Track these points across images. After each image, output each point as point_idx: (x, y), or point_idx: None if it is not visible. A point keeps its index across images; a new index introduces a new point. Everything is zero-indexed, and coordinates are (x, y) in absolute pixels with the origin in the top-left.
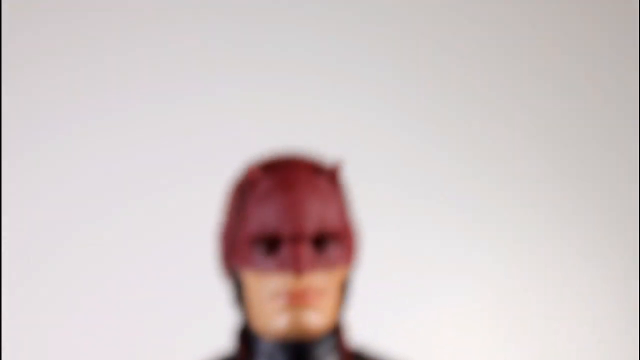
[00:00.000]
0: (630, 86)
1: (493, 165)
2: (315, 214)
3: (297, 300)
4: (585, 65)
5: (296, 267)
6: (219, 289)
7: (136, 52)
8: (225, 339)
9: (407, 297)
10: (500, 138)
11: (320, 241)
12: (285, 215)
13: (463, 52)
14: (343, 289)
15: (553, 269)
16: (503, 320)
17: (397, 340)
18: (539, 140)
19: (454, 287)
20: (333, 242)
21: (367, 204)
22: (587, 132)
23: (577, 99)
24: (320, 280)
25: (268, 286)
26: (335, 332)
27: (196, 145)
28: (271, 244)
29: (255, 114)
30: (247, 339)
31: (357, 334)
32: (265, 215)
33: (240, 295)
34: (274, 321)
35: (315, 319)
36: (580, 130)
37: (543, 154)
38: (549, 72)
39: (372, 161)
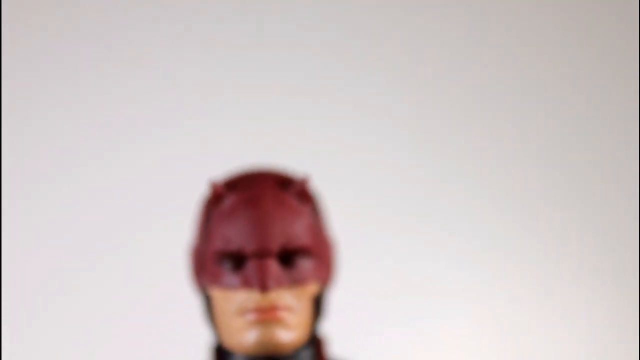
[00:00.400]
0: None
1: (484, 180)
2: (281, 230)
3: (264, 316)
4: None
5: (261, 284)
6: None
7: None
8: (202, 355)
9: (392, 317)
10: (492, 151)
11: (288, 257)
12: (249, 232)
13: (459, 61)
14: (317, 305)
15: (548, 290)
16: (493, 342)
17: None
18: (538, 159)
19: (442, 308)
20: (302, 258)
21: (351, 220)
22: (590, 153)
23: (579, 120)
24: (288, 297)
25: (235, 303)
26: (312, 346)
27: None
28: (237, 260)
29: (227, 133)
30: (220, 356)
31: (340, 350)
32: (230, 232)
33: (210, 312)
34: (243, 337)
35: (284, 335)
36: (582, 151)
37: (542, 172)
38: (556, 97)
39: (358, 177)
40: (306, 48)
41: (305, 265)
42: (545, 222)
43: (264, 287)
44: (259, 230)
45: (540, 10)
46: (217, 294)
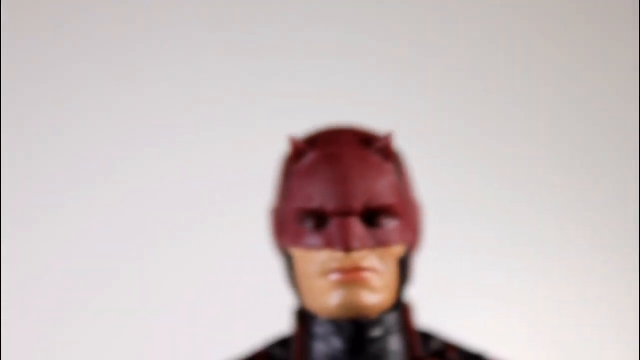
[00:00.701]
0: None
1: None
2: (364, 187)
3: (347, 277)
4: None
5: (344, 244)
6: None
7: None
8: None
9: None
10: (529, 147)
11: (372, 217)
12: (331, 189)
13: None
14: (402, 268)
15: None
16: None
17: None
18: (568, 156)
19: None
20: (386, 218)
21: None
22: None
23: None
24: (372, 258)
25: (317, 264)
26: (399, 311)
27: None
28: (319, 219)
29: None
30: (303, 319)
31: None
32: (311, 190)
33: (291, 274)
34: (326, 299)
35: (368, 297)
36: (618, 150)
37: (576, 169)
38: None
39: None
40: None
41: (390, 225)
42: (583, 220)
43: (347, 247)
44: (341, 188)
45: None
46: (298, 254)
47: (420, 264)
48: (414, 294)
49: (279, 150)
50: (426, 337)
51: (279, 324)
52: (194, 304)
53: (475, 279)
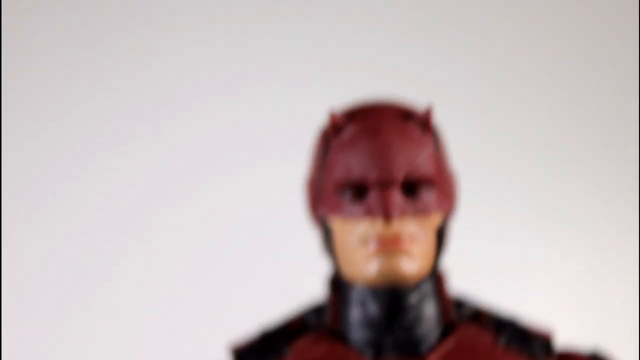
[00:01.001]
0: None
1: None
2: (404, 159)
3: (387, 246)
4: None
5: (385, 213)
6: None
7: None
8: (318, 288)
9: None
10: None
11: (411, 187)
12: (371, 161)
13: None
14: (439, 237)
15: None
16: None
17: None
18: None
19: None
20: (425, 188)
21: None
22: None
23: None
24: (411, 227)
25: (357, 233)
26: (434, 279)
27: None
28: (358, 190)
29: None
30: (338, 287)
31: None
32: (351, 161)
33: (329, 243)
34: (365, 268)
35: (408, 265)
36: None
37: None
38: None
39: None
40: None
41: (428, 195)
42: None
43: (387, 216)
44: (382, 159)
45: None
46: (337, 224)
47: (456, 234)
48: (449, 264)
49: (314, 123)
50: (459, 304)
51: (313, 292)
52: (226, 272)
53: (509, 249)
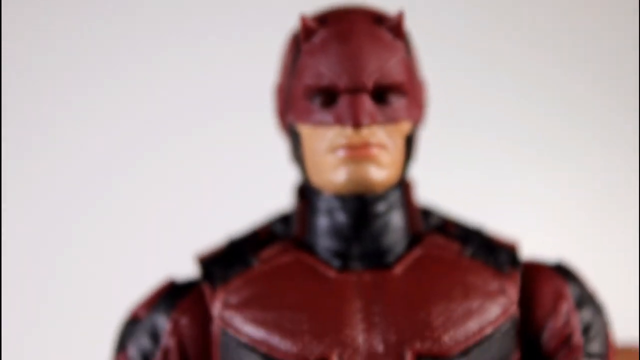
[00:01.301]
0: None
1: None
2: (375, 65)
3: (356, 153)
4: None
5: (354, 119)
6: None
7: None
8: (285, 197)
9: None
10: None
11: (381, 94)
12: (342, 66)
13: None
14: (408, 145)
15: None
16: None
17: None
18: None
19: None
20: (395, 95)
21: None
22: None
23: None
24: (381, 134)
25: (326, 140)
26: (401, 189)
27: None
28: (328, 96)
29: None
30: (306, 196)
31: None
32: (321, 67)
33: (298, 150)
34: (333, 175)
35: (376, 173)
36: None
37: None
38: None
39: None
40: None
41: (398, 103)
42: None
43: (357, 123)
44: (353, 65)
45: None
46: (306, 131)
47: (456, 170)
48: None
49: (284, 28)
50: (426, 214)
51: (279, 201)
52: (197, 185)
53: (495, 179)
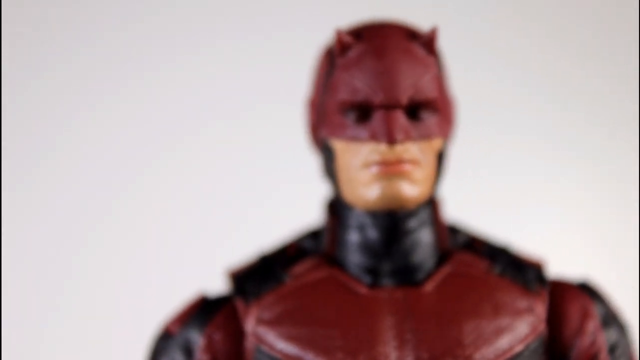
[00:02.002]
0: None
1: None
2: (410, 82)
3: (390, 169)
4: None
5: (389, 136)
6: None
7: None
8: (315, 212)
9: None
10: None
11: (415, 110)
12: (377, 82)
13: None
14: (439, 161)
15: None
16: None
17: None
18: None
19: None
20: (428, 111)
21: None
22: None
23: None
24: (414, 151)
25: (360, 156)
26: (431, 206)
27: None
28: (362, 112)
29: None
30: (337, 211)
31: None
32: (356, 82)
33: (330, 166)
34: (366, 191)
35: (409, 189)
36: None
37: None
38: None
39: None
40: None
41: (431, 119)
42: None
43: (391, 139)
44: (388, 80)
45: None
46: (340, 146)
47: (462, 164)
48: (456, 193)
49: (316, 43)
50: (453, 231)
51: (305, 211)
52: (224, 199)
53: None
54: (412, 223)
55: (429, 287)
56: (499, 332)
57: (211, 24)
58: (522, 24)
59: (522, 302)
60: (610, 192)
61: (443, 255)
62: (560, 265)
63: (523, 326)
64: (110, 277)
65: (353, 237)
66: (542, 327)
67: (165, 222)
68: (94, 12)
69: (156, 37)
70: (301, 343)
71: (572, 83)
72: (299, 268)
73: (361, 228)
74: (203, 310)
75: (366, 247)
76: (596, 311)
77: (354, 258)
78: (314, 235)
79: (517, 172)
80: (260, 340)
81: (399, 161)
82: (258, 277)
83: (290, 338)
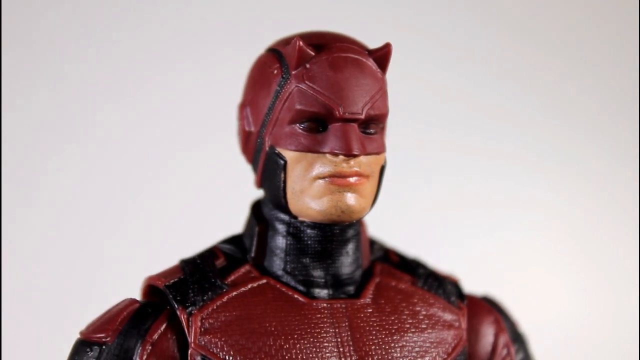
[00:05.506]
0: None
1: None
2: (367, 95)
3: (343, 181)
4: None
5: (347, 149)
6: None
7: None
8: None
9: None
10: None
11: (367, 125)
12: (338, 95)
13: None
14: (380, 176)
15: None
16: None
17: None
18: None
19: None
20: (377, 126)
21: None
22: None
23: None
24: (367, 165)
25: (313, 167)
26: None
27: None
28: (317, 123)
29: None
30: (268, 218)
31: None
32: (315, 94)
33: (275, 175)
34: (315, 202)
35: (358, 202)
36: None
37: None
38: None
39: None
40: None
41: (380, 134)
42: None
43: (350, 152)
44: (350, 94)
45: None
46: (291, 156)
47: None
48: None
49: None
50: (372, 243)
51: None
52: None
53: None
54: (348, 234)
55: (366, 299)
56: (433, 344)
57: (220, 30)
58: (506, 30)
59: (448, 316)
60: (590, 199)
61: (368, 267)
62: (543, 272)
63: (451, 339)
64: (110, 277)
65: (286, 245)
66: (464, 340)
67: (165, 222)
68: (107, 17)
69: (165, 41)
70: (247, 353)
71: (553, 90)
72: (235, 277)
73: (297, 237)
74: (140, 317)
75: (300, 256)
76: (506, 326)
77: (286, 266)
78: (232, 242)
79: (503, 177)
80: (204, 349)
81: (353, 174)
82: (197, 287)
83: (235, 348)
